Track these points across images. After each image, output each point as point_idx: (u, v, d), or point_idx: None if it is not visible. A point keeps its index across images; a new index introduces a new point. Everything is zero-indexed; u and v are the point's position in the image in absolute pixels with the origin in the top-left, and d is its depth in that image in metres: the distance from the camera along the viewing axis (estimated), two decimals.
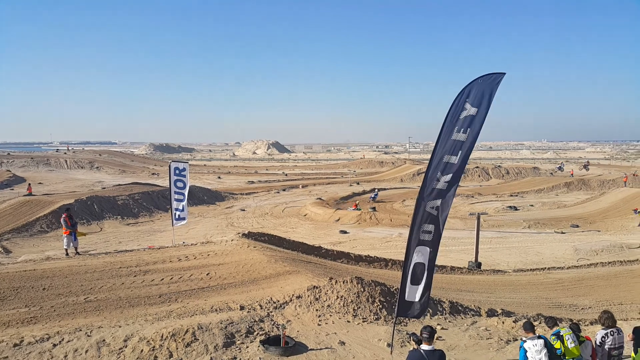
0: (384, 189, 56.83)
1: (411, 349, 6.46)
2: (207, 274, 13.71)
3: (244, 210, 41.80)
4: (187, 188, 20.09)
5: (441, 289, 15.87)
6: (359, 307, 11.09)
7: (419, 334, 6.40)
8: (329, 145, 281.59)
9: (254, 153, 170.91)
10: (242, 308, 10.89)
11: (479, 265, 21.53)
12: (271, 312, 10.81)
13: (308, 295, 11.49)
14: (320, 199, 46.49)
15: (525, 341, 6.57)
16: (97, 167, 76.76)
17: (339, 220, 36.04)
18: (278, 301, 11.41)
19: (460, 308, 12.08)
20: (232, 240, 18.13)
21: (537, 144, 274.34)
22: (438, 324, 10.73)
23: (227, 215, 39.39)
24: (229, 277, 13.60)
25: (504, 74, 7.30)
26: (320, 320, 10.46)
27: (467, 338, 9.96)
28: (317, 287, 11.79)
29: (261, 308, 10.97)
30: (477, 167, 75.36)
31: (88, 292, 11.92)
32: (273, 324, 10.04)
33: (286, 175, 78.99)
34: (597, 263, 22.47)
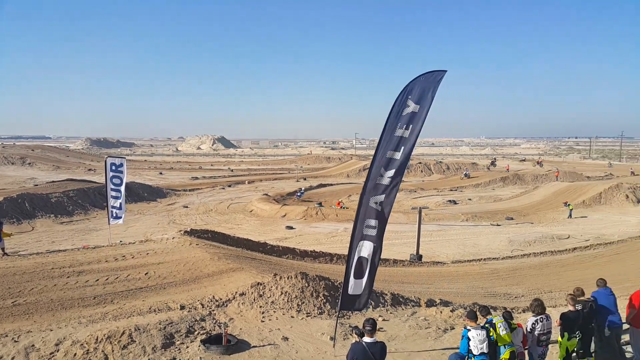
0: (331, 185, 57.33)
1: (354, 341, 6.51)
2: (145, 274, 13.25)
3: (187, 207, 40.85)
4: (124, 184, 19.36)
5: (384, 282, 16.18)
6: (303, 302, 11.08)
7: (361, 326, 6.45)
8: (277, 140, 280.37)
9: (199, 148, 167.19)
10: (182, 307, 10.60)
11: (420, 257, 22.16)
12: (213, 310, 10.59)
13: (252, 292, 11.36)
14: (266, 194, 46.21)
15: (469, 330, 6.68)
16: (30, 163, 72.59)
17: (285, 216, 35.98)
18: (220, 299, 11.19)
19: (401, 299, 12.34)
20: (173, 237, 17.65)
21: (476, 141, 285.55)
22: (380, 316, 10.91)
23: (169, 212, 38.37)
24: (169, 276, 13.23)
25: (445, 71, 7.48)
26: (264, 317, 10.36)
27: (407, 328, 10.19)
28: (261, 284, 11.68)
29: (203, 307, 10.73)
30: (420, 162, 77.57)
31: (16, 295, 11.23)
32: (215, 323, 9.84)
33: (232, 171, 77.84)
34: (530, 253, 23.71)
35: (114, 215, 19.10)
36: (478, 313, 7.00)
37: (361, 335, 6.34)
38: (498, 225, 32.62)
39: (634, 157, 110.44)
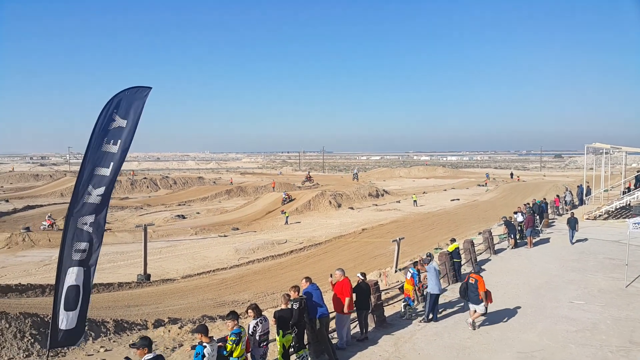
0: (41, 206, 49.91)
1: None
2: None
3: None
4: None
5: (107, 309, 15.02)
6: (4, 347, 9.62)
7: None
8: None
9: None
10: None
11: (148, 277, 21.31)
12: None
13: None
14: None
15: (205, 347, 6.65)
16: None
17: None
18: None
19: (126, 325, 11.63)
20: None
21: (201, 155, 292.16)
22: (102, 347, 10.07)
23: None
24: None
25: (151, 88, 7.44)
26: None
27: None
28: None
29: None
30: (145, 178, 74.52)
31: None
32: None
33: None
34: (254, 260, 25.45)
35: None
36: (229, 321, 7.18)
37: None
38: (225, 236, 33.93)
39: (334, 168, 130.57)
